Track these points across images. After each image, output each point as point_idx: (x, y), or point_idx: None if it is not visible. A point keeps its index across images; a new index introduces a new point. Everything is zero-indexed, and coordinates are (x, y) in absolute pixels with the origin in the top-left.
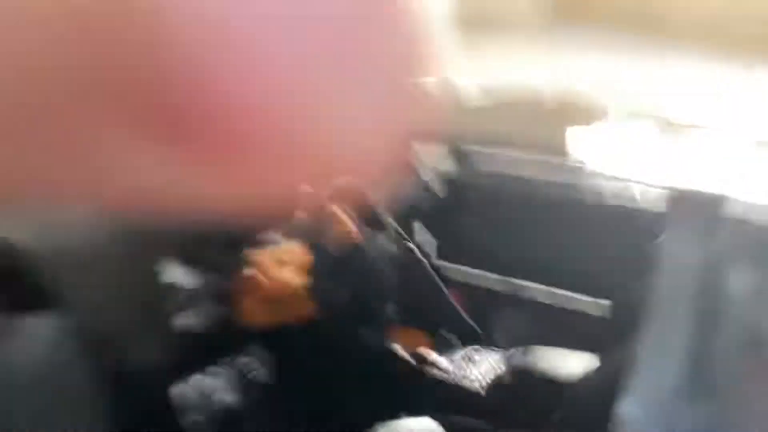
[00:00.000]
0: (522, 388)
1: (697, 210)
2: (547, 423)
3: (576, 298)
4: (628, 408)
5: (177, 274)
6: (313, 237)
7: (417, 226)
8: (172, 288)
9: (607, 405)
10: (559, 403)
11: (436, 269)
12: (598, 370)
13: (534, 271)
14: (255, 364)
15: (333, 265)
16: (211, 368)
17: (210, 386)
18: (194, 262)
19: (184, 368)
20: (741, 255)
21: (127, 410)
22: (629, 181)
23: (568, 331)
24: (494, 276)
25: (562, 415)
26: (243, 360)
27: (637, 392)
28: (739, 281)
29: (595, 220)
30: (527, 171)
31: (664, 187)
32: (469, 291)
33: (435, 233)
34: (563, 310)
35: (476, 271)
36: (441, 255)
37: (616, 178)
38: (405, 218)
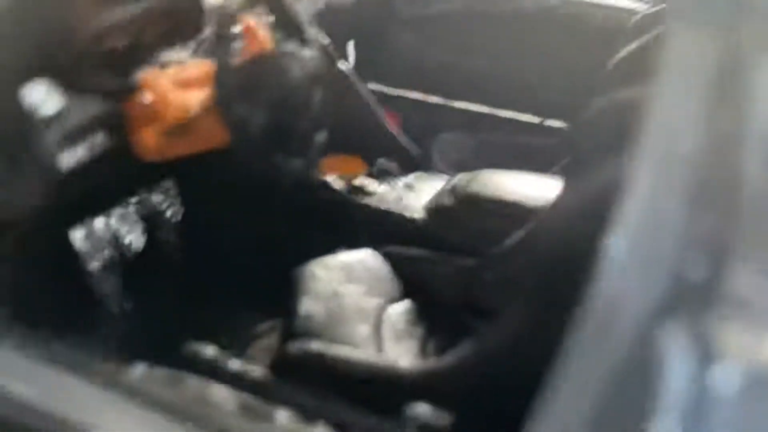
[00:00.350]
0: (466, 213)
1: None
2: (495, 252)
3: (527, 122)
4: (616, 241)
5: (54, 102)
6: (223, 53)
7: (350, 47)
8: (49, 119)
9: (587, 237)
10: (509, 229)
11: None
12: (574, 192)
13: (478, 91)
14: (165, 202)
15: (245, 81)
16: (115, 209)
17: (114, 228)
18: (78, 86)
19: (81, 211)
20: None
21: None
22: None
23: (521, 158)
24: (435, 99)
25: (521, 247)
26: (150, 197)
27: (630, 221)
28: None
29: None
30: None
31: None
32: (407, 115)
33: (369, 53)
34: (514, 135)
35: (414, 94)
36: (376, 77)
37: None
38: (337, 37)
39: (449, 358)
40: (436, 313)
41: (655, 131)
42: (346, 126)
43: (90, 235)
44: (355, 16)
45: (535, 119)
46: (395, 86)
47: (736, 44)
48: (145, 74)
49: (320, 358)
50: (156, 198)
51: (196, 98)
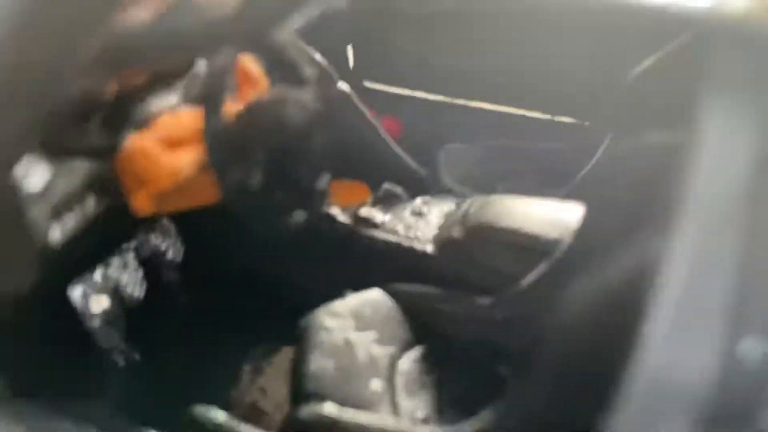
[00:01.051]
0: (477, 246)
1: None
2: (510, 292)
3: (535, 118)
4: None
5: (40, 176)
6: (213, 106)
7: (348, 51)
8: (36, 195)
9: (618, 312)
10: (524, 264)
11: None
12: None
13: (483, 89)
14: (164, 242)
15: (238, 140)
16: (113, 258)
17: (114, 278)
18: (63, 151)
19: (77, 270)
20: None
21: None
22: None
23: (529, 164)
24: (437, 98)
25: (538, 287)
26: (149, 239)
27: (675, 301)
28: None
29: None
30: None
31: None
32: (409, 121)
33: (369, 54)
34: (520, 139)
35: (417, 93)
36: (377, 77)
37: None
38: (335, 45)
39: (467, 429)
40: (450, 356)
41: (698, 204)
42: (348, 150)
43: (88, 291)
44: (351, 19)
45: (544, 116)
46: (396, 85)
47: None
48: (133, 138)
49: (333, 424)
50: (155, 239)
51: (187, 159)
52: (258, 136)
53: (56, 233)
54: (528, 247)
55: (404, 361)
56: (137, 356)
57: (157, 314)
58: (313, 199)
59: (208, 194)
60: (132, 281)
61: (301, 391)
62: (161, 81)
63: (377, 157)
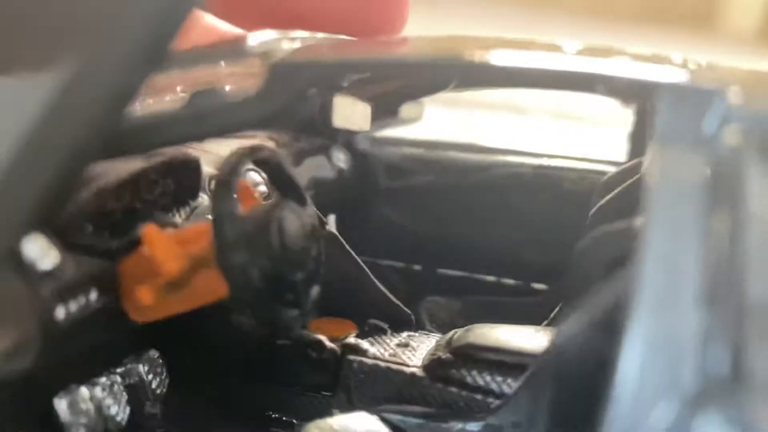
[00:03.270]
0: (463, 364)
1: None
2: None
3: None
4: (631, 355)
5: (51, 257)
6: (224, 203)
7: (331, 220)
8: (45, 273)
9: (599, 354)
10: (508, 378)
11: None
12: (578, 315)
13: (459, 258)
14: (150, 372)
15: (245, 231)
16: (99, 379)
17: (99, 398)
18: (73, 245)
19: (68, 375)
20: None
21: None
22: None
23: (509, 317)
24: (418, 267)
25: (528, 386)
26: (137, 367)
27: (644, 332)
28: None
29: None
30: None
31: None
32: (391, 285)
33: (351, 225)
34: (499, 296)
35: (398, 264)
36: (359, 249)
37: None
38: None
39: None
40: None
41: (657, 242)
42: (335, 287)
43: (74, 405)
44: (338, 189)
45: (517, 282)
46: (378, 257)
47: (724, 158)
48: (144, 229)
49: None
50: (142, 368)
51: (194, 251)
52: (261, 233)
53: (61, 312)
54: (511, 362)
55: None
56: None
57: None
58: (305, 303)
59: (210, 291)
60: (116, 404)
61: None
62: (169, 200)
63: (364, 295)
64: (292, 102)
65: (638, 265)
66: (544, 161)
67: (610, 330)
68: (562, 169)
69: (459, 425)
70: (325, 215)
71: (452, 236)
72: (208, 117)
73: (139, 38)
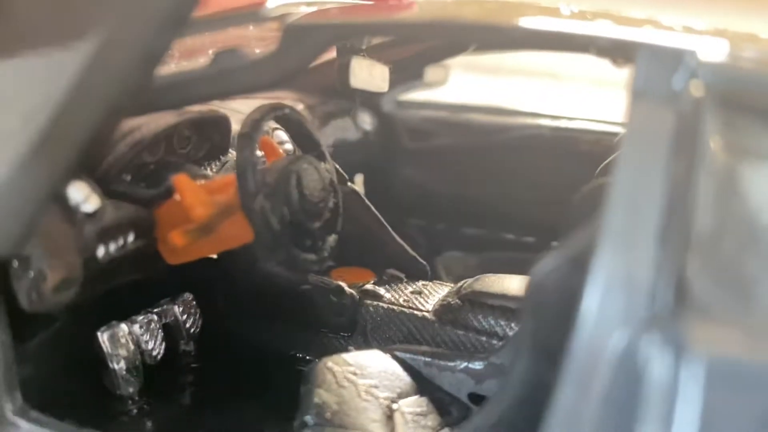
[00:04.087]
0: (470, 310)
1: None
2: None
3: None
4: (594, 286)
5: (94, 202)
6: (248, 155)
7: (358, 179)
8: (89, 216)
9: (576, 289)
10: (512, 322)
11: None
12: (559, 257)
13: (480, 217)
14: (185, 313)
15: (267, 181)
16: (137, 317)
17: (137, 335)
18: (113, 194)
19: (109, 311)
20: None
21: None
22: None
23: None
24: (440, 226)
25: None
26: (172, 308)
27: (608, 266)
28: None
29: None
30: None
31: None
32: (414, 241)
33: (378, 185)
34: (517, 253)
35: (420, 222)
36: (385, 207)
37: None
38: (346, 170)
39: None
40: (446, 406)
41: (622, 188)
42: (356, 240)
43: (115, 338)
44: (363, 151)
45: (535, 240)
46: (402, 215)
47: (688, 110)
48: (177, 178)
49: None
50: (177, 309)
51: (221, 199)
52: (282, 183)
53: (101, 251)
54: (514, 308)
55: (402, 405)
56: (150, 404)
57: (172, 373)
58: (322, 249)
59: (236, 236)
60: (153, 340)
61: (304, 421)
62: (201, 155)
63: (383, 247)
64: (306, 62)
65: (605, 207)
66: (563, 123)
67: (581, 266)
68: (579, 130)
69: (463, 363)
70: (351, 175)
71: (473, 196)
72: (229, 76)
73: (164, 5)
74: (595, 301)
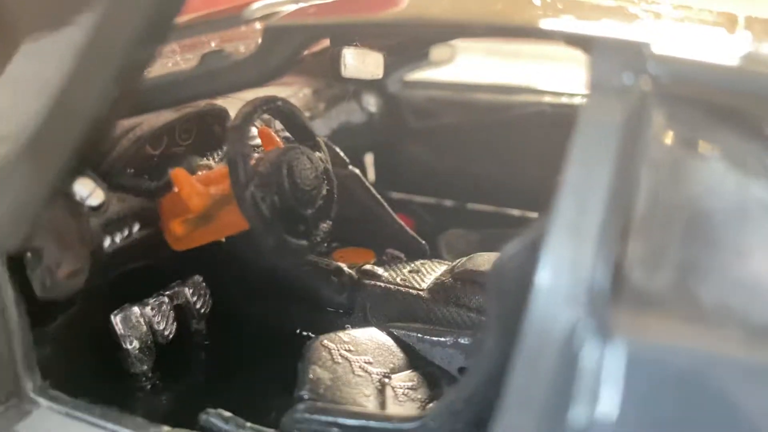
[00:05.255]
0: (462, 289)
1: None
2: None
3: (532, 218)
4: (543, 269)
5: (99, 195)
6: (240, 146)
7: (368, 158)
8: (95, 209)
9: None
10: None
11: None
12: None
13: (486, 193)
14: (195, 294)
15: (259, 170)
16: (149, 299)
17: (149, 316)
18: (117, 187)
19: (121, 295)
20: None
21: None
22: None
23: None
24: (448, 203)
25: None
26: (183, 290)
27: (555, 251)
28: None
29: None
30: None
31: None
32: (421, 218)
33: (386, 164)
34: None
35: (429, 199)
36: (394, 185)
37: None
38: (355, 150)
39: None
40: (436, 379)
41: (572, 178)
42: (357, 221)
43: (127, 320)
44: (371, 130)
45: (538, 215)
46: (411, 193)
47: (636, 104)
48: (174, 172)
49: (324, 411)
50: (187, 290)
51: (216, 190)
52: (274, 171)
53: (107, 243)
54: None
55: (395, 379)
56: (162, 382)
57: (183, 352)
58: (314, 236)
59: (231, 225)
60: (164, 321)
61: (300, 395)
62: (201, 147)
63: (383, 227)
64: (288, 61)
65: (556, 196)
66: (565, 99)
67: (538, 252)
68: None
69: (452, 339)
70: (359, 156)
71: (478, 173)
72: (215, 75)
73: (148, 13)
74: (543, 286)
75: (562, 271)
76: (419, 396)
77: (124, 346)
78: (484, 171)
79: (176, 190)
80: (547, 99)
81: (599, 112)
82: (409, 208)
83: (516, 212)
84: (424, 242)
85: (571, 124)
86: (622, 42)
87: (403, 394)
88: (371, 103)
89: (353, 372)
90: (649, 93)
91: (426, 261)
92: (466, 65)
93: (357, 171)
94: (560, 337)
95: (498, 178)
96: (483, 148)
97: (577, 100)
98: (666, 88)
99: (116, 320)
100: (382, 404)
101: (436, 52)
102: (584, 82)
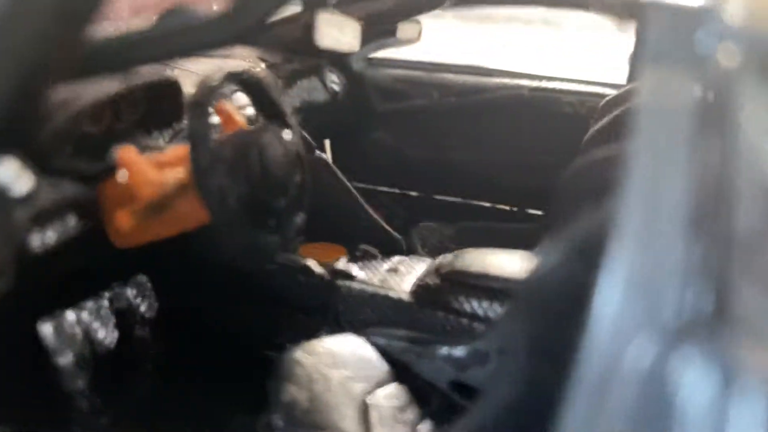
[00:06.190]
0: (451, 290)
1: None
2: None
3: (504, 209)
4: (609, 289)
5: (26, 182)
6: (200, 128)
7: (327, 144)
8: (20, 199)
9: (578, 285)
10: (495, 304)
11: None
12: (559, 245)
13: (456, 184)
14: (139, 296)
15: (223, 155)
16: (85, 303)
17: (86, 322)
18: (50, 168)
19: (51, 301)
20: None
21: None
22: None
23: (499, 243)
24: (415, 193)
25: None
26: (124, 291)
27: (625, 266)
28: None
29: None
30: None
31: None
32: (389, 209)
33: (347, 151)
34: (492, 222)
35: (394, 190)
36: (356, 175)
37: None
38: (314, 134)
39: None
40: (425, 396)
41: (641, 169)
42: (326, 213)
43: (60, 329)
44: (332, 113)
45: (512, 208)
46: (375, 183)
47: (715, 76)
48: (121, 152)
49: None
50: (130, 292)
51: (172, 175)
52: (240, 157)
53: (37, 241)
54: (498, 288)
55: (379, 397)
56: (103, 401)
57: (126, 363)
58: (287, 230)
59: (189, 217)
60: (104, 327)
61: (274, 421)
62: (150, 123)
63: (355, 220)
64: (260, 21)
65: (622, 193)
66: (543, 83)
67: (590, 261)
68: (560, 91)
69: (444, 350)
70: (319, 140)
71: (448, 161)
72: (175, 36)
73: None
74: (611, 303)
75: (633, 289)
76: (408, 417)
77: (55, 360)
78: (453, 159)
79: (122, 174)
80: (525, 82)
81: (666, 91)
82: (373, 200)
83: (486, 204)
84: (400, 237)
85: (550, 110)
86: (684, 6)
87: (390, 415)
88: (335, 81)
89: (331, 390)
90: (735, 67)
91: (404, 258)
92: (437, 28)
93: (325, 156)
94: (640, 369)
95: (468, 167)
96: (454, 135)
97: (557, 85)
98: (759, 64)
99: (45, 329)
100: (368, 429)
101: (402, 28)
102: (634, 56)
